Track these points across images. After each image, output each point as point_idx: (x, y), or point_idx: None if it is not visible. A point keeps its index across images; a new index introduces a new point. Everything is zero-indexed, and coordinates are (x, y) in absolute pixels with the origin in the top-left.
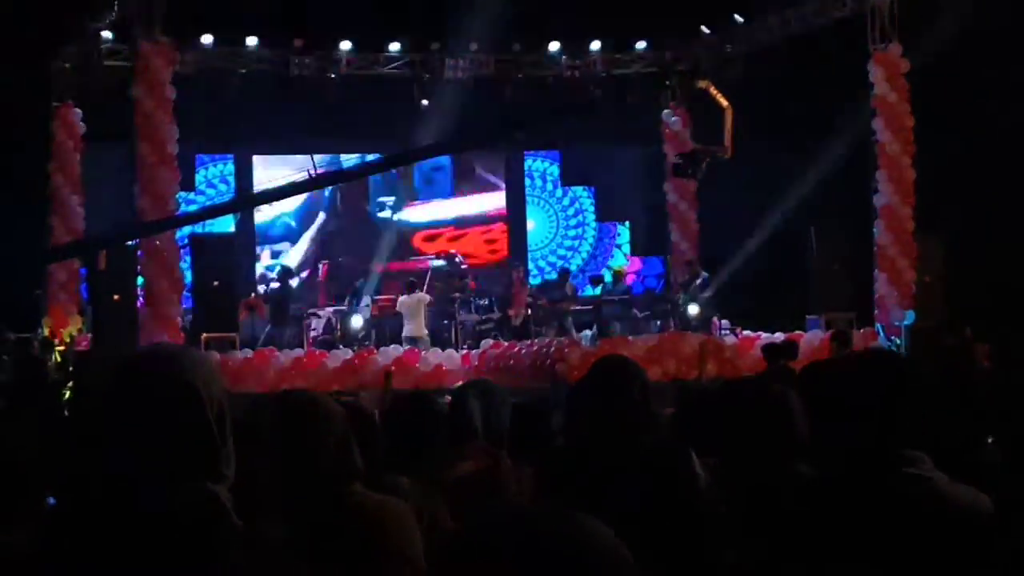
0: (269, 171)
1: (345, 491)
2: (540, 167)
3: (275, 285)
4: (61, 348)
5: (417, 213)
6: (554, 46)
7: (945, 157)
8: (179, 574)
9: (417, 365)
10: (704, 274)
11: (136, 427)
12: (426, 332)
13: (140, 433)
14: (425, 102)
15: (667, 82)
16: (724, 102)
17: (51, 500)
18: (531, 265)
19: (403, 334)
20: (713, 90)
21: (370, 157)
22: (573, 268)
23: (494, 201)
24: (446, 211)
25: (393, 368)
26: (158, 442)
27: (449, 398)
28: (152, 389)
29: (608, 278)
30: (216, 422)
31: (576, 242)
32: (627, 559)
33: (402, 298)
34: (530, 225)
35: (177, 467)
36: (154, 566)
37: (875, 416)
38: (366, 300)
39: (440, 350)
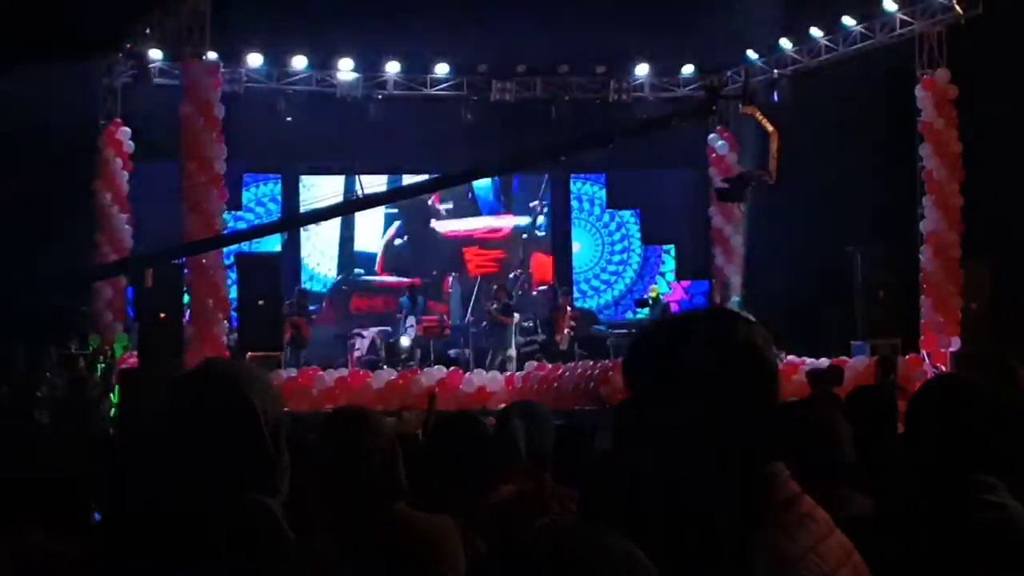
0: (315, 190)
1: (389, 508)
2: (587, 190)
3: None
4: (103, 364)
5: (450, 224)
6: (601, 69)
7: (993, 183)
8: None
9: (461, 386)
10: (735, 299)
11: (192, 441)
12: (514, 352)
13: (196, 447)
14: (471, 125)
15: (713, 107)
16: (770, 127)
17: (96, 514)
18: (575, 288)
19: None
20: (759, 116)
21: (415, 178)
22: (617, 292)
23: (501, 222)
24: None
25: (437, 389)
26: (213, 456)
27: (493, 419)
28: (208, 404)
29: (650, 301)
30: (271, 436)
31: (621, 267)
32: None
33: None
34: (576, 248)
35: (232, 481)
36: None
37: (952, 441)
38: (411, 320)
39: (494, 372)
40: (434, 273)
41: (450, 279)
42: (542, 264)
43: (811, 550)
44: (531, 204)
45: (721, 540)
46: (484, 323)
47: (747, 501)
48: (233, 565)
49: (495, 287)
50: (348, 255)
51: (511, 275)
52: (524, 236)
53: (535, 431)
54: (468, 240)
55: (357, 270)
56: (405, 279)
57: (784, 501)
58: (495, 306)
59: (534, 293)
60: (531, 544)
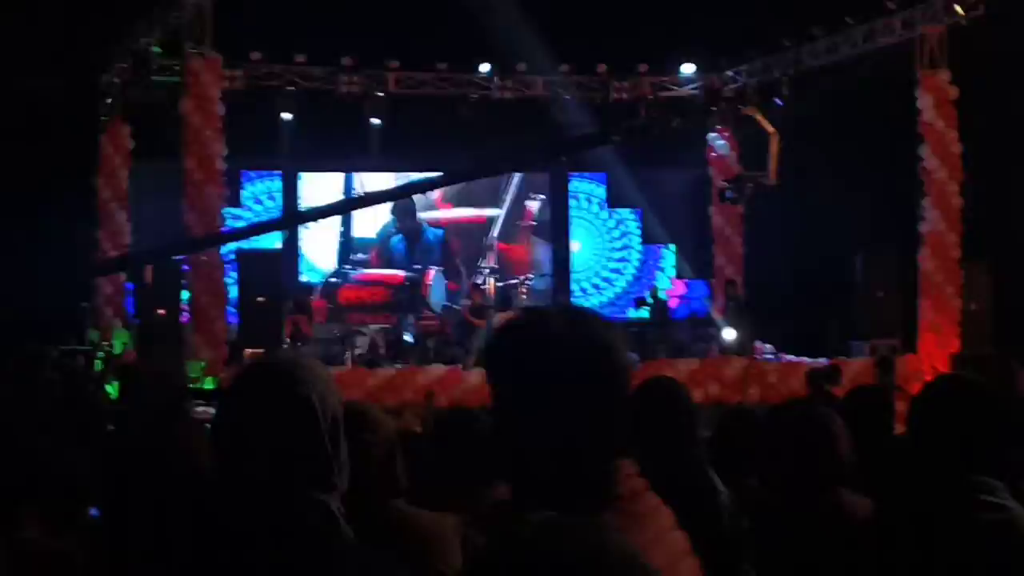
0: (314, 188)
1: (388, 505)
2: (586, 188)
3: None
4: (102, 360)
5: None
6: (601, 69)
7: (992, 184)
8: None
9: (460, 384)
10: (742, 298)
11: (250, 438)
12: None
13: (253, 445)
14: (473, 116)
15: (713, 108)
16: (770, 129)
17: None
18: (575, 286)
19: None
20: (759, 117)
21: (415, 176)
22: (618, 289)
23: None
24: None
25: (434, 388)
26: (272, 453)
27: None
28: (266, 399)
29: (649, 300)
30: (330, 432)
31: (621, 264)
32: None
33: (499, 315)
34: (575, 246)
35: (290, 478)
36: None
37: (955, 441)
38: (410, 318)
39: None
40: (417, 267)
41: (431, 273)
42: (515, 254)
43: (653, 542)
44: (503, 196)
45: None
46: (455, 323)
47: (593, 493)
48: (294, 565)
49: (471, 286)
50: (347, 242)
51: (483, 266)
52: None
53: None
54: (452, 229)
55: (346, 266)
56: (399, 272)
57: (631, 494)
58: (468, 304)
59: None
60: (530, 540)
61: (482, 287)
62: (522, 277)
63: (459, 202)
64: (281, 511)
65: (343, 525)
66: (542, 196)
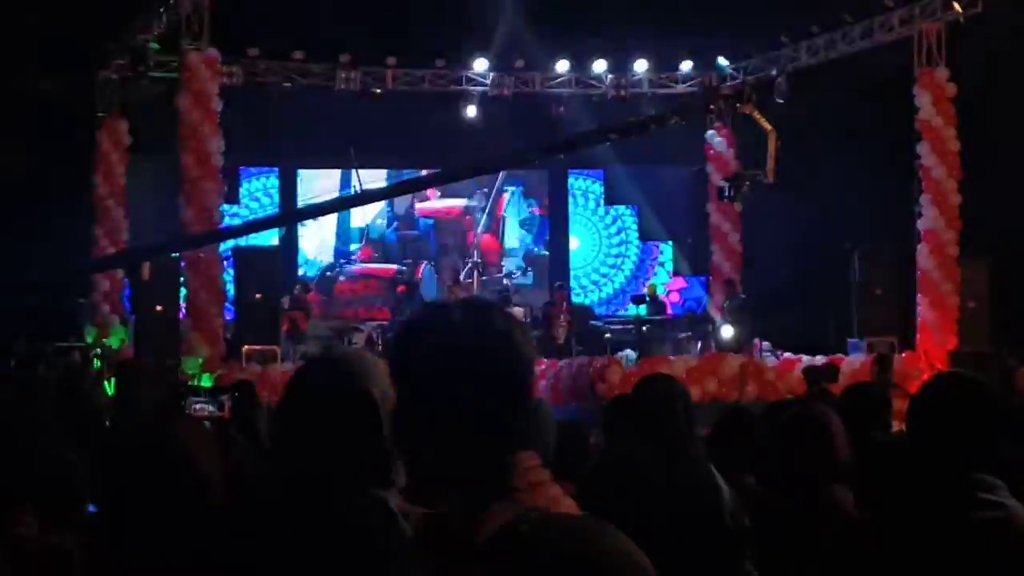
0: (311, 185)
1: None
2: (584, 185)
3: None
4: (99, 357)
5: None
6: (600, 65)
7: (990, 182)
8: None
9: None
10: (742, 296)
11: (310, 433)
12: None
13: (314, 439)
14: (472, 113)
15: (711, 106)
16: (767, 126)
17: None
18: (574, 283)
19: None
20: (757, 115)
21: (413, 174)
22: (616, 286)
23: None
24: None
25: None
26: (332, 448)
27: None
28: (327, 395)
29: (647, 297)
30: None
31: (619, 260)
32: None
33: None
34: (574, 243)
35: (349, 473)
36: (325, 574)
37: (955, 439)
38: (407, 314)
39: None
40: (408, 261)
41: (422, 267)
42: (486, 244)
43: None
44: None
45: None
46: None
47: (488, 485)
48: (352, 561)
49: (451, 282)
50: (344, 231)
51: (466, 260)
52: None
53: (538, 425)
54: (438, 220)
55: (341, 260)
56: (391, 266)
57: (528, 486)
58: (450, 299)
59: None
60: (527, 536)
61: (463, 282)
62: (504, 271)
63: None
64: (340, 507)
65: (401, 522)
66: (516, 186)
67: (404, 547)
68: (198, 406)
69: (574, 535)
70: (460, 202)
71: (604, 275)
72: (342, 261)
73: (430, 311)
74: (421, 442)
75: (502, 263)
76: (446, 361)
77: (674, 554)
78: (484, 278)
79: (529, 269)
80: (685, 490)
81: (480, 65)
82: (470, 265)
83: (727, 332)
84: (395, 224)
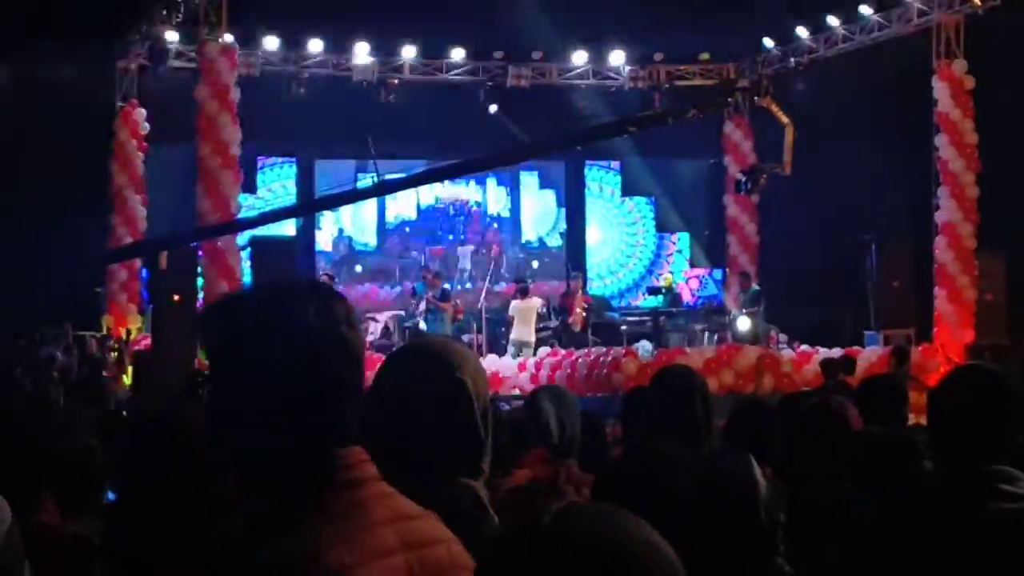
0: (329, 175)
1: None
2: (601, 177)
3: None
4: (116, 346)
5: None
6: (618, 57)
7: (1009, 174)
8: None
9: None
10: (756, 288)
11: (404, 421)
12: (534, 338)
13: (408, 428)
14: (494, 107)
15: (729, 99)
16: (784, 119)
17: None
18: (590, 273)
19: (511, 337)
20: (774, 107)
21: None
22: (633, 277)
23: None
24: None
25: None
26: (423, 437)
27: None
28: (423, 383)
29: (663, 288)
30: (482, 416)
31: (636, 248)
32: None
33: (514, 302)
34: (592, 234)
35: (440, 462)
36: None
37: (974, 430)
38: (424, 305)
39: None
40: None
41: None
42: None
43: (344, 539)
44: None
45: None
46: (423, 310)
47: (299, 482)
48: None
49: (429, 275)
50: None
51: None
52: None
53: (565, 417)
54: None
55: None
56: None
57: (342, 486)
58: (431, 293)
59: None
60: (550, 526)
61: (440, 273)
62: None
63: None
64: (431, 496)
65: (491, 512)
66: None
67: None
68: None
69: (598, 523)
70: (475, 190)
71: (621, 265)
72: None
73: (228, 299)
74: (235, 438)
75: (519, 254)
76: (241, 348)
77: (705, 548)
78: (501, 269)
79: (545, 259)
80: (719, 483)
81: (498, 56)
82: (485, 254)
83: (743, 324)
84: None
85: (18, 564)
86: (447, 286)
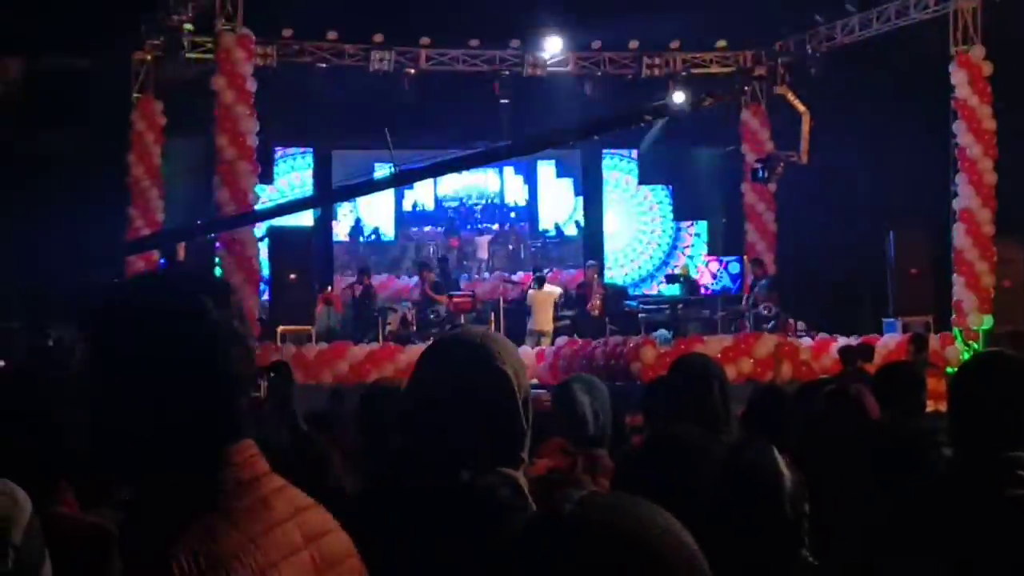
0: (345, 165)
1: None
2: (618, 165)
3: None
4: None
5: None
6: (634, 45)
7: None
8: (491, 563)
9: None
10: (771, 275)
11: (446, 411)
12: (551, 328)
13: (450, 417)
14: (505, 101)
15: (745, 88)
16: (801, 108)
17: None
18: (607, 260)
19: (528, 327)
20: (791, 96)
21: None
22: (651, 266)
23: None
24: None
25: None
26: (465, 426)
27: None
28: (465, 372)
29: (681, 277)
30: (523, 406)
31: (653, 237)
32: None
33: (531, 292)
34: (609, 223)
35: (484, 454)
36: (459, 550)
37: (994, 417)
38: (442, 296)
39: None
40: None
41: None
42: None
43: (253, 540)
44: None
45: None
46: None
47: (188, 479)
48: (489, 541)
49: (421, 270)
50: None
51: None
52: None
53: (598, 407)
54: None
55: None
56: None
57: (239, 484)
58: (426, 285)
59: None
60: (571, 514)
61: (432, 268)
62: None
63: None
64: (472, 485)
65: (531, 501)
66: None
67: None
68: None
69: (621, 511)
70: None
71: (639, 254)
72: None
73: (118, 289)
74: (117, 433)
75: (537, 243)
76: (129, 341)
77: (729, 540)
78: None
79: (563, 248)
80: (745, 474)
81: (513, 44)
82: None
83: (760, 311)
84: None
85: (40, 555)
86: (438, 279)
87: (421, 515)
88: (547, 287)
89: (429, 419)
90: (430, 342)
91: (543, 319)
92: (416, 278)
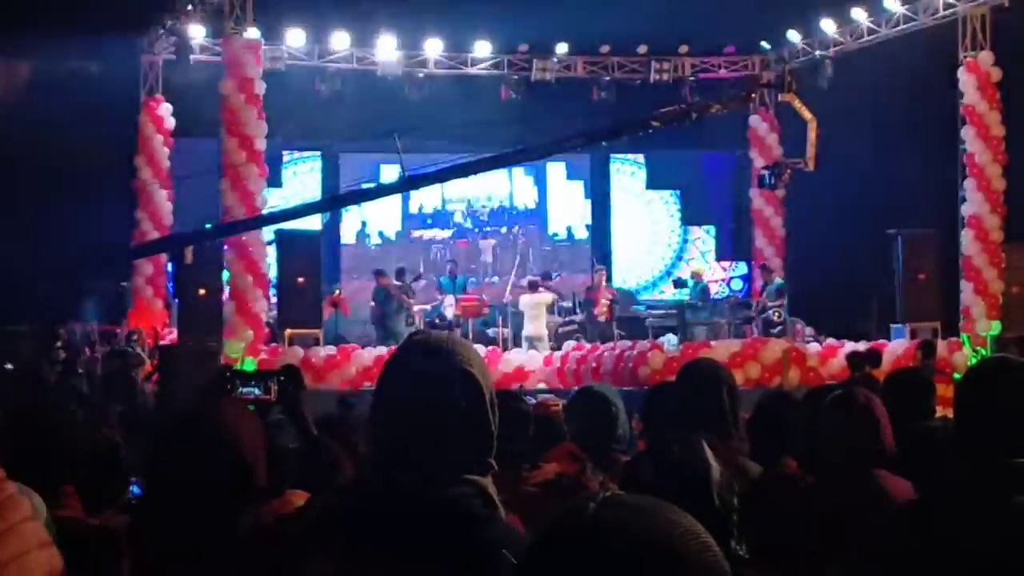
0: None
1: None
2: (627, 169)
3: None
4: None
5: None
6: (642, 50)
7: None
8: (457, 571)
9: (499, 365)
10: (780, 281)
11: (413, 417)
12: (546, 332)
13: (417, 423)
14: (512, 104)
15: (752, 96)
16: (808, 115)
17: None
18: (615, 266)
19: (523, 334)
20: (797, 104)
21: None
22: (661, 271)
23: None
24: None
25: None
26: (436, 434)
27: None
28: (431, 378)
29: (688, 281)
30: (491, 410)
31: (661, 241)
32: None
33: (523, 297)
34: (617, 227)
35: (452, 461)
36: (428, 562)
37: (1001, 424)
38: (450, 299)
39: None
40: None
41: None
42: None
43: (5, 533)
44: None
45: None
46: (448, 304)
47: None
48: (455, 549)
49: (397, 271)
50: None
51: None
52: None
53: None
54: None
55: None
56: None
57: None
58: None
59: None
60: (595, 515)
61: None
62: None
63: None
64: (442, 496)
65: (500, 510)
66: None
67: (506, 535)
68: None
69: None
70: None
71: (647, 259)
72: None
73: None
74: None
75: (546, 246)
76: None
77: None
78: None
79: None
80: (672, 465)
81: (522, 48)
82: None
83: (767, 317)
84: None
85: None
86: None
87: (389, 524)
88: (539, 293)
89: (394, 426)
90: (395, 347)
91: (536, 324)
92: (423, 281)
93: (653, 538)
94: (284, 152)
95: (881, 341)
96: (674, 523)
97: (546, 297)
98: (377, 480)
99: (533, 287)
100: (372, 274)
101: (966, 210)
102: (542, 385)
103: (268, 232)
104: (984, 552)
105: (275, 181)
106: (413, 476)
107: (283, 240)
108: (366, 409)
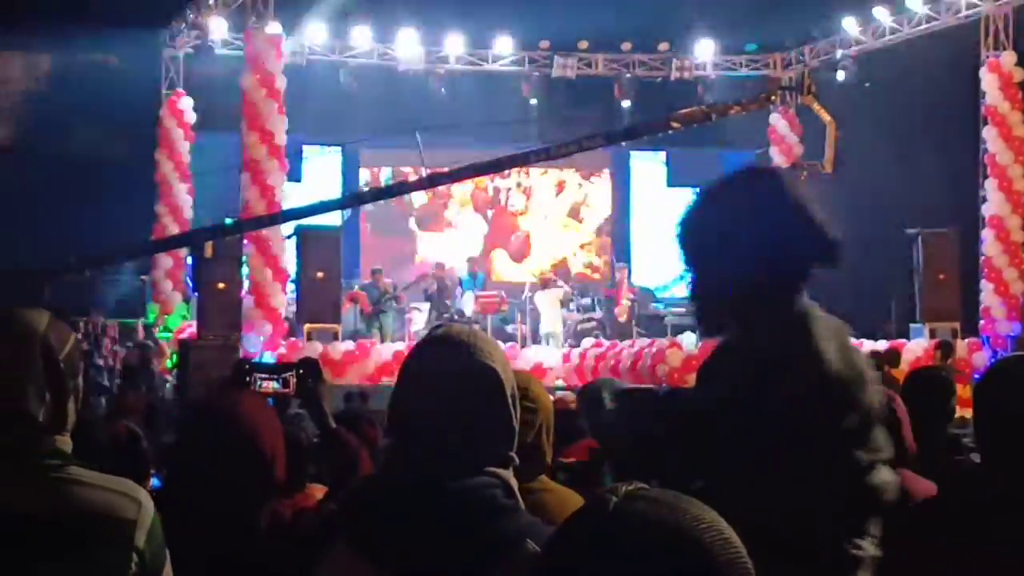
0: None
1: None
2: (647, 167)
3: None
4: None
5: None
6: (663, 47)
7: None
8: (480, 561)
9: (517, 361)
10: None
11: (434, 410)
12: (561, 328)
13: (438, 417)
14: (533, 101)
15: (772, 98)
16: (827, 117)
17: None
18: (635, 264)
19: (540, 330)
20: (816, 106)
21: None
22: (677, 271)
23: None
24: None
25: None
26: (458, 427)
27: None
28: (453, 373)
29: None
30: (512, 404)
31: None
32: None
33: (537, 293)
34: (638, 224)
35: (474, 454)
36: (450, 552)
37: (1018, 423)
38: (469, 295)
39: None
40: None
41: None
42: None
43: None
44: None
45: None
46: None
47: None
48: (480, 544)
49: (373, 273)
50: None
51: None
52: None
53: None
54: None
55: None
56: None
57: None
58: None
59: None
60: (618, 506)
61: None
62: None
63: None
64: (464, 489)
65: (521, 503)
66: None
67: (528, 525)
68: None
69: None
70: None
71: (668, 257)
72: None
73: None
74: None
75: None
76: None
77: None
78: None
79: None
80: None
81: (543, 45)
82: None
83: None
84: None
85: (162, 557)
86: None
87: (411, 515)
88: (552, 288)
89: (416, 420)
90: (416, 341)
91: (551, 320)
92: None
93: (675, 531)
94: (304, 146)
95: (900, 341)
96: (697, 517)
97: (557, 292)
98: (398, 472)
99: (545, 283)
100: (370, 273)
101: (987, 210)
102: (560, 382)
103: (288, 227)
104: (1005, 552)
105: (295, 175)
106: (434, 468)
107: (303, 235)
108: (384, 403)
